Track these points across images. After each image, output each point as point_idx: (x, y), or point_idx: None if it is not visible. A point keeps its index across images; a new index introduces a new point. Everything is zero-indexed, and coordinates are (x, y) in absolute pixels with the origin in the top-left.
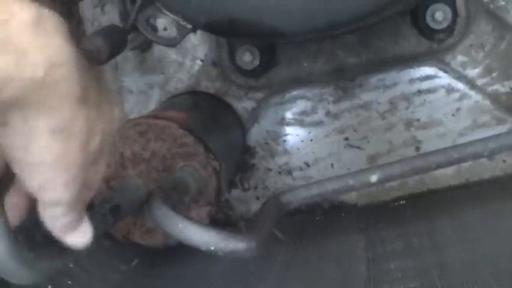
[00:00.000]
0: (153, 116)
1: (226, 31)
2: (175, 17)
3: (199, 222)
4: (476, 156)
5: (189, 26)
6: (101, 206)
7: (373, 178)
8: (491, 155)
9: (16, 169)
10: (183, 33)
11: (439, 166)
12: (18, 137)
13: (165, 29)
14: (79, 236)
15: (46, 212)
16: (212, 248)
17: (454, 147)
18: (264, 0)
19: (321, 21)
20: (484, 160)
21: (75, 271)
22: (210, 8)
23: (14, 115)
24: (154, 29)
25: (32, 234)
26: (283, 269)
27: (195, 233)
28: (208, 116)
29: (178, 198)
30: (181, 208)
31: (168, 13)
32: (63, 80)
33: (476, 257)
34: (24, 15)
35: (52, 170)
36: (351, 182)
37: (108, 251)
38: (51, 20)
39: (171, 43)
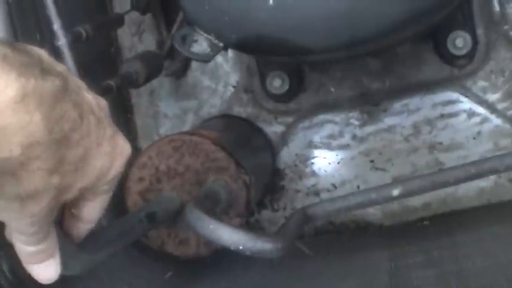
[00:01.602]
0: (188, 132)
1: (255, 49)
2: (208, 36)
3: (228, 224)
4: (492, 172)
5: (221, 44)
6: (138, 212)
7: (395, 192)
8: (507, 171)
9: None
10: (215, 51)
11: (457, 181)
12: None
13: (198, 46)
14: (42, 270)
15: (13, 237)
16: (241, 247)
17: (472, 163)
18: (288, 18)
19: (344, 37)
20: (504, 182)
21: (106, 279)
22: (240, 27)
23: None
24: (189, 46)
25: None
26: (309, 282)
27: (225, 233)
28: (240, 137)
29: (210, 208)
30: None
31: (202, 32)
32: (37, 157)
33: (492, 267)
34: (9, 92)
35: (16, 216)
36: (373, 196)
37: (143, 262)
38: (35, 95)
39: (204, 59)
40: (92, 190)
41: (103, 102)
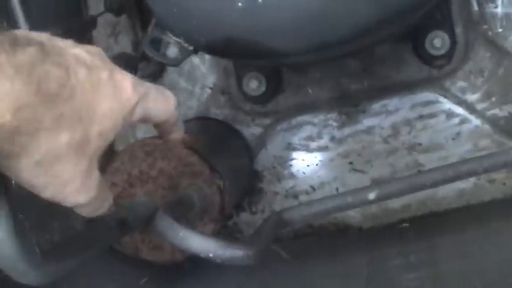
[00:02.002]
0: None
1: (225, 52)
2: (178, 39)
3: (199, 231)
4: (471, 174)
5: (191, 48)
6: (108, 220)
7: (371, 196)
8: (485, 173)
9: None
10: (185, 54)
11: (435, 183)
12: (11, 172)
13: (168, 50)
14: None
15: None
16: (211, 255)
17: (450, 165)
18: (258, 20)
19: (316, 40)
20: (484, 183)
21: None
22: (208, 30)
23: None
24: (158, 49)
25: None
26: (287, 286)
27: (195, 241)
28: (216, 139)
29: (183, 213)
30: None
31: (171, 35)
32: (30, 119)
33: (469, 270)
34: None
35: (54, 187)
36: (349, 199)
37: (118, 267)
38: (10, 66)
39: (174, 63)
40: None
41: (94, 49)
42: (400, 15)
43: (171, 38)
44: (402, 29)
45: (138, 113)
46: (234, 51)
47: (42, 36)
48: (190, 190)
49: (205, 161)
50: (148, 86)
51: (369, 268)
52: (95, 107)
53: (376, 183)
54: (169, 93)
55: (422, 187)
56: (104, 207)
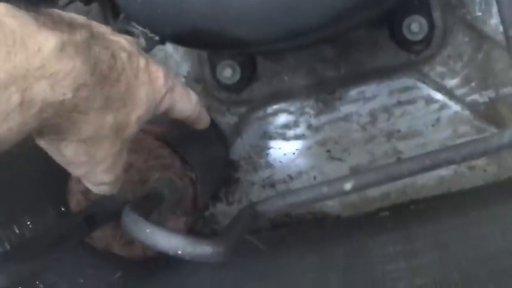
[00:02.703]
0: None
1: (192, 42)
2: (143, 29)
3: (166, 228)
4: (448, 163)
5: (157, 38)
6: (76, 217)
7: (347, 186)
8: (463, 161)
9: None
10: (151, 45)
11: (412, 173)
12: (53, 146)
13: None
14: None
15: (95, 189)
16: (179, 252)
17: (427, 154)
18: (225, 10)
19: (282, 29)
20: (464, 170)
21: (53, 280)
22: (173, 19)
23: (49, 130)
24: None
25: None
26: (262, 280)
27: (162, 238)
28: (188, 129)
29: (153, 208)
30: (158, 219)
31: (136, 25)
32: (87, 98)
33: (448, 262)
34: (50, 44)
35: (88, 165)
36: (325, 190)
37: (91, 262)
38: (71, 44)
39: None
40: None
41: (130, 39)
42: (372, 2)
43: (136, 29)
44: (377, 15)
45: (166, 103)
46: (201, 41)
47: (82, 18)
48: (161, 183)
49: (176, 153)
50: (175, 80)
51: (346, 260)
52: (135, 92)
53: (353, 172)
54: (191, 91)
55: (400, 176)
56: (117, 187)
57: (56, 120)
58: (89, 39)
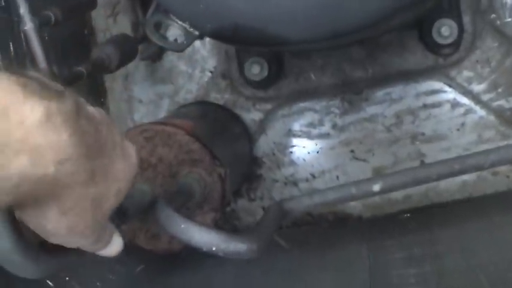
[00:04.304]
0: (160, 122)
1: (232, 38)
2: (183, 24)
3: (201, 223)
4: (477, 168)
5: (196, 33)
6: None
7: (376, 188)
8: (491, 167)
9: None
10: (190, 40)
11: (440, 177)
12: (33, 218)
13: (172, 35)
14: (110, 250)
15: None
16: (213, 249)
17: (456, 158)
18: (268, 8)
19: (325, 29)
20: (487, 175)
21: (77, 270)
22: (216, 15)
23: (27, 203)
24: (162, 34)
25: None
26: (285, 277)
27: (197, 234)
28: (216, 125)
29: (183, 203)
30: (186, 213)
31: (176, 19)
32: (70, 172)
33: (474, 266)
34: (36, 114)
35: (68, 237)
36: (353, 191)
37: (116, 257)
38: (60, 114)
39: (178, 49)
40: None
41: (102, 111)
42: (411, 7)
43: (175, 22)
44: (413, 17)
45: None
46: (241, 39)
47: (59, 86)
48: (191, 178)
49: (206, 148)
50: None
51: (370, 260)
52: (114, 166)
53: (379, 173)
54: None
55: (427, 180)
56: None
57: (37, 193)
58: (76, 108)
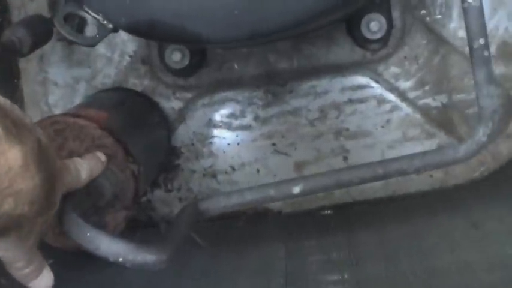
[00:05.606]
0: (72, 114)
1: (148, 34)
2: (96, 15)
3: (108, 232)
4: (401, 173)
5: (110, 26)
6: None
7: (296, 190)
8: (416, 173)
9: None
10: (102, 33)
11: (363, 181)
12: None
13: (84, 27)
14: (39, 283)
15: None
16: (120, 260)
17: (380, 162)
18: (187, 5)
19: (245, 30)
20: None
21: None
22: (131, 9)
23: None
24: (72, 26)
25: None
26: (198, 278)
27: (104, 243)
28: (133, 114)
29: (92, 203)
30: (96, 212)
31: (88, 10)
32: (38, 209)
33: (393, 274)
34: (18, 161)
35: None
36: (272, 192)
37: None
38: (34, 156)
39: (89, 43)
40: None
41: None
42: (334, 10)
43: (88, 14)
44: (343, 16)
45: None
46: (158, 34)
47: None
48: (102, 176)
49: (119, 143)
50: None
51: (287, 262)
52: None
53: (300, 168)
54: None
55: (349, 184)
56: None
57: (6, 225)
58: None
